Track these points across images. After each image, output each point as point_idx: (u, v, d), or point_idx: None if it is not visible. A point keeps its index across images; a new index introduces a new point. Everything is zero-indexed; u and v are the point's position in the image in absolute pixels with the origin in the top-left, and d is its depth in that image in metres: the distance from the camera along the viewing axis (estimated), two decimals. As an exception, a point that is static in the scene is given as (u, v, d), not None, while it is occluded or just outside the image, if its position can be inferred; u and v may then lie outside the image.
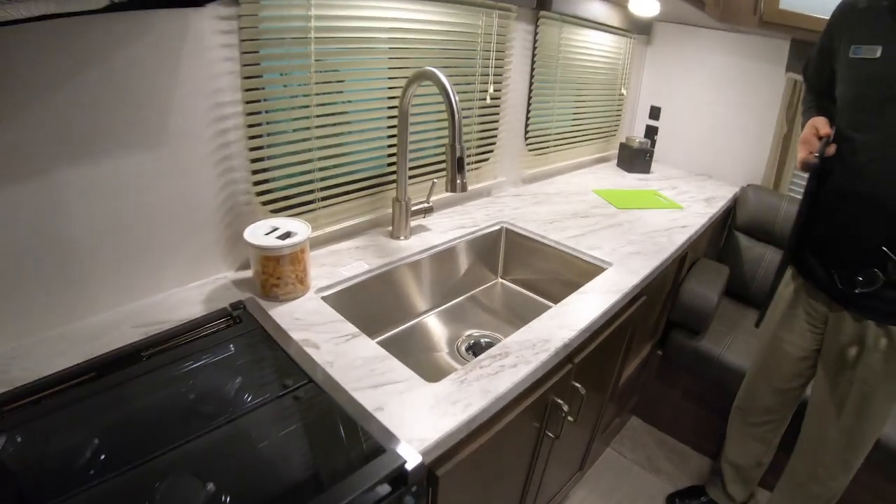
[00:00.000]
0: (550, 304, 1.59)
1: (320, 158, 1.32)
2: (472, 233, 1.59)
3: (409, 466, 0.75)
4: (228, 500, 0.68)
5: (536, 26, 1.89)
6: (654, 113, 2.84)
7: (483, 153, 1.87)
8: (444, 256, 1.51)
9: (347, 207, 1.44)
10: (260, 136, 1.18)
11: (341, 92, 1.31)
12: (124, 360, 0.92)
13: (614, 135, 2.75)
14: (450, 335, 1.43)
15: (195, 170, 1.10)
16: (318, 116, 1.27)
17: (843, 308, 1.34)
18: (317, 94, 1.25)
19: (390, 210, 1.48)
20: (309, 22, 1.18)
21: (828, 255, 1.34)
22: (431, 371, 1.26)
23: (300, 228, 1.14)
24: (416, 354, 1.33)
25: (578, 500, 1.91)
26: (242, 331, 1.02)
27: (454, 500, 0.96)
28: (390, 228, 1.49)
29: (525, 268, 1.67)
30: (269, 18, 1.12)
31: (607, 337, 1.35)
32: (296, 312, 1.09)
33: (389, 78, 1.43)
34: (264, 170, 1.22)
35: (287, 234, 1.11)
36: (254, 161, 1.19)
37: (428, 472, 0.82)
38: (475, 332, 1.45)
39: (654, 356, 2.16)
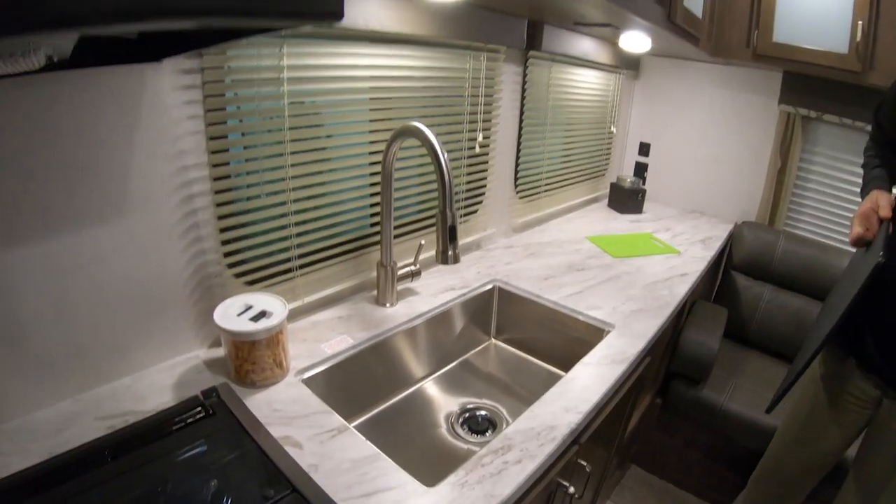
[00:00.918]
0: (549, 367, 1.53)
1: (297, 224, 1.24)
2: (463, 294, 1.53)
3: None
4: None
5: (526, 67, 1.86)
6: (644, 149, 2.83)
7: (472, 204, 1.82)
8: (434, 322, 1.44)
9: (328, 274, 1.36)
10: (230, 203, 1.11)
11: (319, 149, 1.25)
12: (87, 462, 0.84)
13: (604, 174, 2.73)
14: (444, 408, 1.36)
15: (159, 242, 1.03)
16: (293, 178, 1.20)
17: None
18: (292, 153, 1.18)
19: (374, 274, 1.41)
20: (281, 73, 1.12)
21: (886, 336, 1.28)
22: (427, 461, 1.18)
23: (276, 307, 1.06)
24: (408, 435, 1.25)
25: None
26: (217, 425, 0.94)
27: None
28: (375, 293, 1.41)
29: (520, 328, 1.60)
30: (237, 70, 1.06)
31: (614, 406, 1.29)
32: (274, 402, 1.01)
33: (371, 132, 1.37)
34: (235, 238, 1.14)
35: (262, 314, 1.04)
36: (223, 230, 1.12)
37: None
38: (471, 402, 1.38)
39: (654, 406, 2.11)
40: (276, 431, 0.93)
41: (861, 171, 1.46)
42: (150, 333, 1.06)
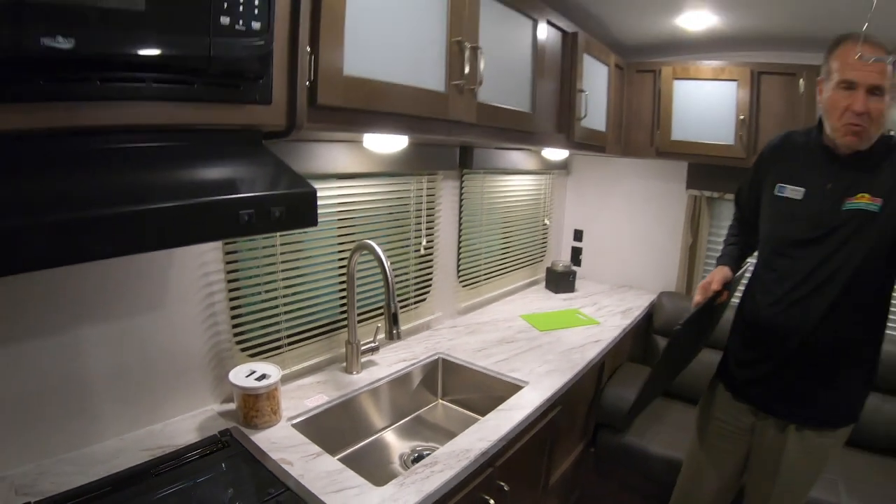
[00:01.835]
0: (481, 417, 2.00)
1: (286, 312, 1.76)
2: (413, 364, 2.02)
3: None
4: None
5: (462, 182, 2.44)
6: (578, 235, 3.42)
7: (421, 293, 2.34)
8: (391, 386, 1.92)
9: (309, 349, 1.86)
10: (238, 298, 1.62)
11: (302, 258, 1.78)
12: (137, 477, 1.25)
13: (542, 260, 3.30)
14: (399, 449, 1.82)
15: (187, 325, 1.51)
16: (282, 280, 1.72)
17: (768, 416, 1.64)
18: (282, 262, 1.71)
19: (343, 349, 1.90)
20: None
21: (755, 370, 1.67)
22: (381, 479, 1.63)
23: (273, 371, 1.54)
24: (370, 467, 1.70)
25: None
26: (231, 453, 1.39)
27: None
28: (344, 365, 1.90)
29: (460, 390, 2.09)
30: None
31: (528, 442, 1.76)
32: (272, 438, 1.47)
33: (339, 244, 1.91)
34: (241, 323, 1.64)
35: (263, 376, 1.51)
36: (233, 317, 1.61)
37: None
38: (420, 445, 1.84)
39: (587, 454, 2.55)
40: (274, 455, 1.38)
41: None
42: (178, 391, 1.52)
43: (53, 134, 0.82)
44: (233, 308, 1.61)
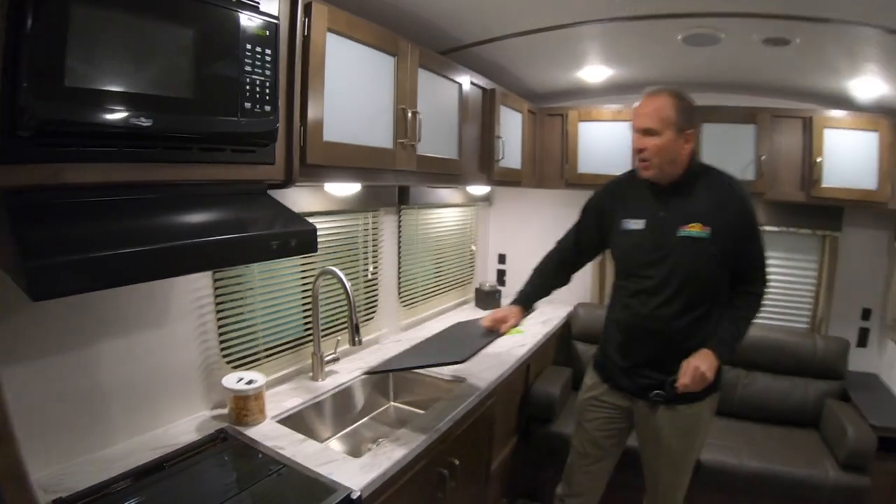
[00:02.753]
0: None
1: (262, 330, 2.12)
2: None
3: (353, 496, 1.50)
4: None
5: (400, 216, 2.87)
6: (501, 259, 3.93)
7: (369, 312, 2.75)
8: (351, 391, 2.30)
9: (280, 361, 2.22)
10: (225, 318, 1.97)
11: (273, 283, 2.15)
12: (152, 470, 1.52)
13: (471, 281, 3.78)
14: (365, 441, 2.20)
15: (184, 340, 1.82)
16: (259, 303, 2.09)
17: (639, 399, 2.02)
18: (260, 286, 2.08)
19: (310, 361, 2.27)
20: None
21: (627, 369, 2.04)
22: (357, 454, 1.99)
23: (258, 377, 1.89)
24: (345, 449, 2.05)
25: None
26: (229, 445, 1.72)
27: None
28: (311, 374, 2.26)
29: (408, 392, 2.49)
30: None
31: (472, 425, 2.18)
32: (262, 432, 1.81)
33: (302, 272, 2.30)
34: (227, 339, 1.99)
35: (250, 382, 1.86)
36: (220, 333, 1.96)
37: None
38: (381, 437, 2.22)
39: (521, 445, 2.95)
40: (267, 444, 1.73)
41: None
42: (176, 398, 1.82)
43: (131, 185, 1.20)
44: (220, 325, 1.95)
